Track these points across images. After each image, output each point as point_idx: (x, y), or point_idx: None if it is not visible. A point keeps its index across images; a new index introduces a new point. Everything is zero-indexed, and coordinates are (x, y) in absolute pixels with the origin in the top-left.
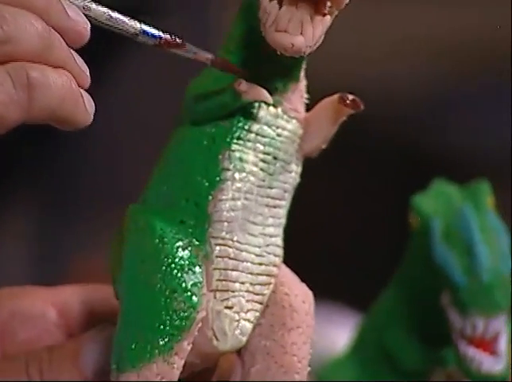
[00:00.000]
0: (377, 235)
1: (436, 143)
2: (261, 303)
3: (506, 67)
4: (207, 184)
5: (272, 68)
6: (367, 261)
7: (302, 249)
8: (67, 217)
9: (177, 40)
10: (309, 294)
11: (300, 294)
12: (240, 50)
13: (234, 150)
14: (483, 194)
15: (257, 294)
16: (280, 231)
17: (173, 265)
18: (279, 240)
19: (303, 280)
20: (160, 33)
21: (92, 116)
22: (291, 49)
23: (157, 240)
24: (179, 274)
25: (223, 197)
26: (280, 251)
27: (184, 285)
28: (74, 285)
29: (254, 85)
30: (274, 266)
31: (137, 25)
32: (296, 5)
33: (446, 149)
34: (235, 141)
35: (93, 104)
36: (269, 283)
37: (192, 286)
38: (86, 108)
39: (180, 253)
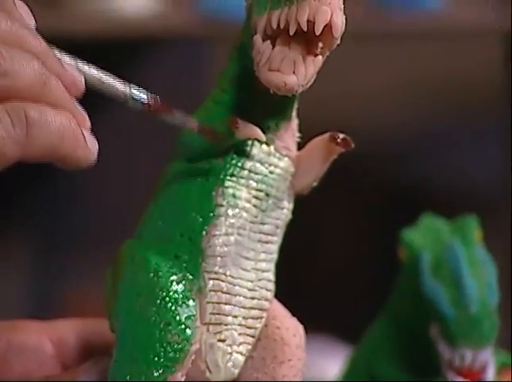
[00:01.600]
0: (366, 269)
1: (425, 179)
2: (253, 336)
3: (492, 107)
4: (201, 219)
5: (265, 107)
6: (357, 294)
7: (294, 283)
8: (64, 252)
9: (165, 106)
10: (300, 327)
11: (291, 327)
12: (233, 89)
13: (227, 187)
14: (471, 228)
15: (249, 328)
16: (272, 266)
17: (167, 298)
18: (271, 275)
19: (295, 314)
20: (149, 99)
21: (96, 155)
22: (284, 88)
23: (152, 274)
24: (173, 308)
25: (217, 233)
26: (272, 286)
27: (178, 318)
28: (69, 318)
29: (247, 123)
30: (266, 300)
31: (127, 89)
32: (289, 46)
33: (435, 184)
34: (229, 178)
35: (96, 144)
36: (261, 317)
37: (185, 319)
38: (87, 147)
39: (175, 287)
